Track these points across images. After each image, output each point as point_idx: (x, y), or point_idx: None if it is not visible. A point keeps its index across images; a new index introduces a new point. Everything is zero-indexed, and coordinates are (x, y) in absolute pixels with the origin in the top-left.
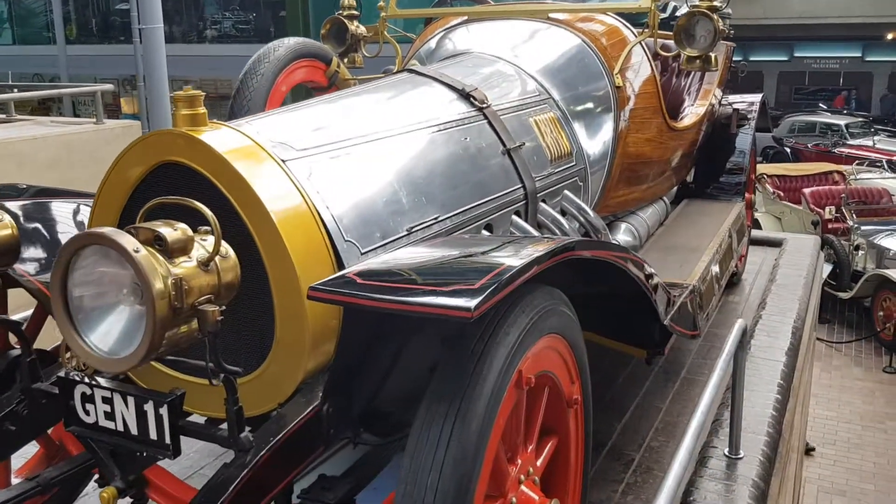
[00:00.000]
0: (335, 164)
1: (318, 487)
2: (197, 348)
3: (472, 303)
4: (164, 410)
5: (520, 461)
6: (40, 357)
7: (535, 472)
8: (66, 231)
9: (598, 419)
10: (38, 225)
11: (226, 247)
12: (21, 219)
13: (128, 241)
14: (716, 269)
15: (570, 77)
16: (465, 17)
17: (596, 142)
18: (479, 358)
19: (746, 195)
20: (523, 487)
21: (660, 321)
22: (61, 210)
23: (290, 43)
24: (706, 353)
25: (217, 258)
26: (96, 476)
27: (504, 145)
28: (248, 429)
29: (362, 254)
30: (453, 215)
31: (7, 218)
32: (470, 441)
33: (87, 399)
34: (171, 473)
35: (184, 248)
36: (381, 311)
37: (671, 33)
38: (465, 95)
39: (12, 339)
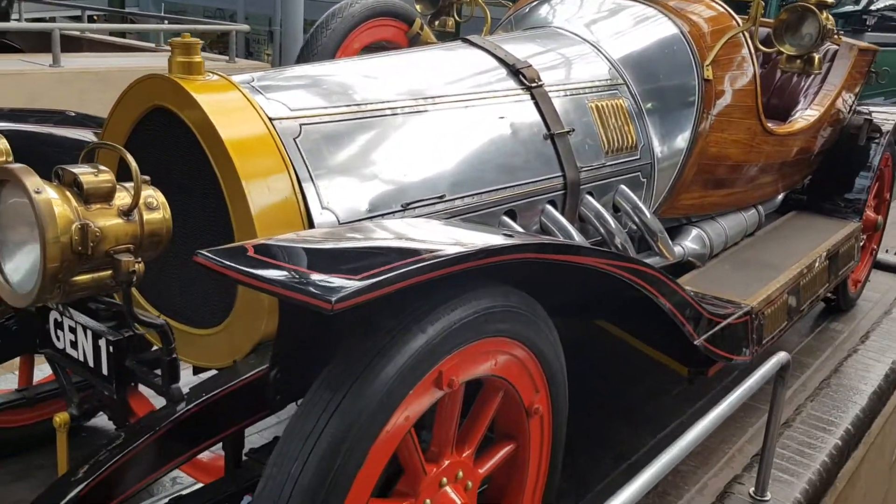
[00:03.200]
0: (333, 128)
1: (267, 449)
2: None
3: (335, 295)
4: (111, 349)
5: (446, 462)
6: None
7: (469, 477)
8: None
9: (630, 433)
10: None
11: (158, 199)
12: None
13: (32, 182)
14: (792, 295)
15: (653, 64)
16: None
17: (669, 137)
18: (379, 353)
19: (870, 215)
20: (447, 489)
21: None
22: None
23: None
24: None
25: (144, 210)
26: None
27: (548, 129)
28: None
29: (340, 224)
30: (465, 196)
31: (3, 142)
32: (344, 436)
33: (59, 326)
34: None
35: (105, 195)
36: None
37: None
38: (515, 72)
39: None
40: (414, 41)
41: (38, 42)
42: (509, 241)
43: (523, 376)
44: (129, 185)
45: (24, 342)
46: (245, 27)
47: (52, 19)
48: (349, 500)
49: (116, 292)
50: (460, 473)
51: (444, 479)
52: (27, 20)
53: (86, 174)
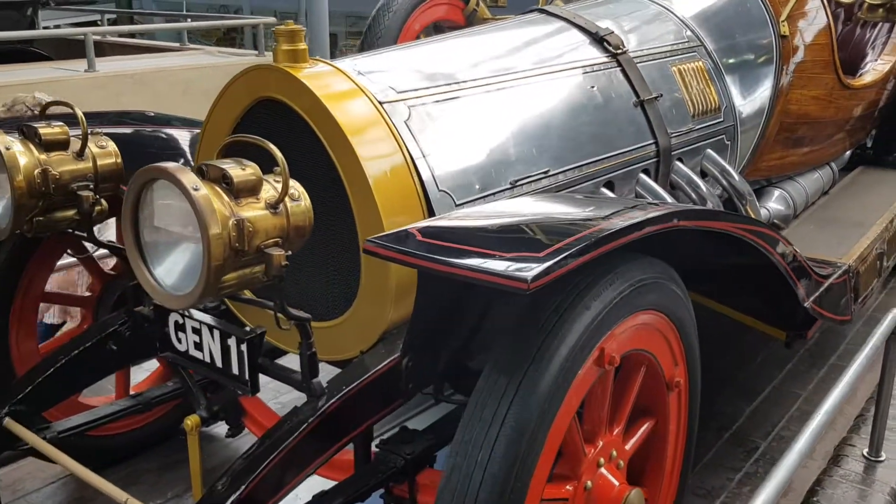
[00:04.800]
0: (438, 109)
1: (398, 439)
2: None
3: (529, 273)
4: (244, 347)
5: (601, 443)
6: None
7: (621, 456)
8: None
9: (726, 401)
10: (144, 151)
11: (299, 190)
12: (126, 145)
13: (189, 179)
14: (881, 248)
15: (728, 23)
16: None
17: (751, 97)
18: (550, 332)
19: None
20: (603, 470)
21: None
22: (168, 138)
23: None
24: (863, 340)
25: (288, 201)
26: None
27: (637, 96)
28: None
29: (457, 205)
30: (567, 170)
31: (111, 145)
32: (528, 420)
33: (180, 328)
34: (266, 404)
35: (252, 188)
36: (432, 273)
37: None
38: (599, 40)
39: None
40: (471, 18)
41: (62, 49)
42: (666, 210)
43: (665, 349)
44: (269, 177)
45: (139, 348)
46: (272, 19)
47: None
48: (532, 486)
49: (260, 287)
50: (614, 453)
51: (602, 460)
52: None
53: (233, 169)
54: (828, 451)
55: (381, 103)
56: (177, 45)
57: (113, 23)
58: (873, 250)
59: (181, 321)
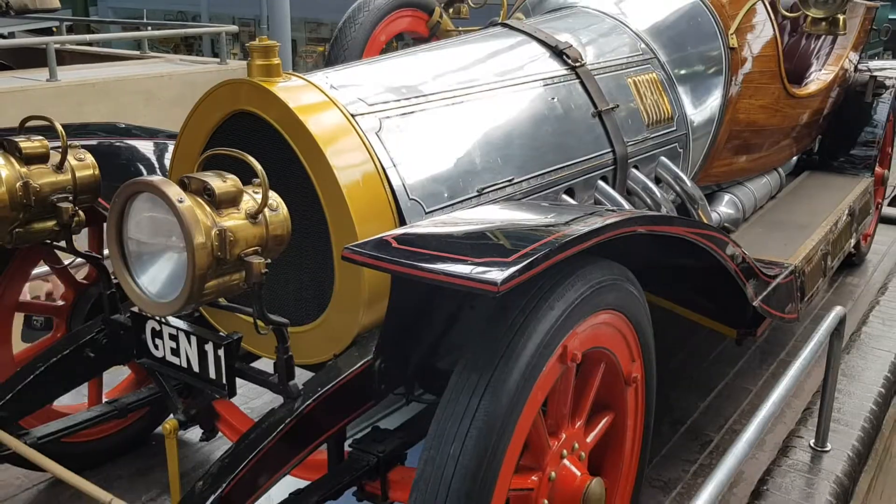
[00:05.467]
0: (407, 120)
1: (370, 439)
2: (275, 292)
3: (499, 276)
4: (221, 352)
5: (564, 435)
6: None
7: (582, 448)
8: (146, 169)
9: (680, 397)
10: (118, 163)
11: (277, 200)
12: (101, 157)
13: (173, 192)
14: (826, 249)
15: (679, 36)
16: None
17: (702, 107)
18: (518, 331)
19: (877, 170)
20: (565, 462)
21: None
22: (140, 149)
23: None
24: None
25: (266, 211)
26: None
27: (595, 107)
28: (296, 377)
29: (427, 213)
30: (531, 178)
31: (89, 157)
32: (498, 414)
33: (157, 334)
34: (239, 408)
35: (233, 199)
36: (407, 279)
37: None
38: (559, 53)
39: None
40: (434, 30)
41: (20, 57)
42: (623, 217)
43: (623, 347)
44: (248, 188)
45: (115, 355)
46: (234, 28)
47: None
48: (501, 476)
49: (239, 294)
50: (576, 445)
51: (565, 451)
52: None
53: (214, 181)
54: (777, 443)
55: (352, 116)
56: (137, 52)
57: (69, 30)
58: (818, 251)
59: (158, 328)
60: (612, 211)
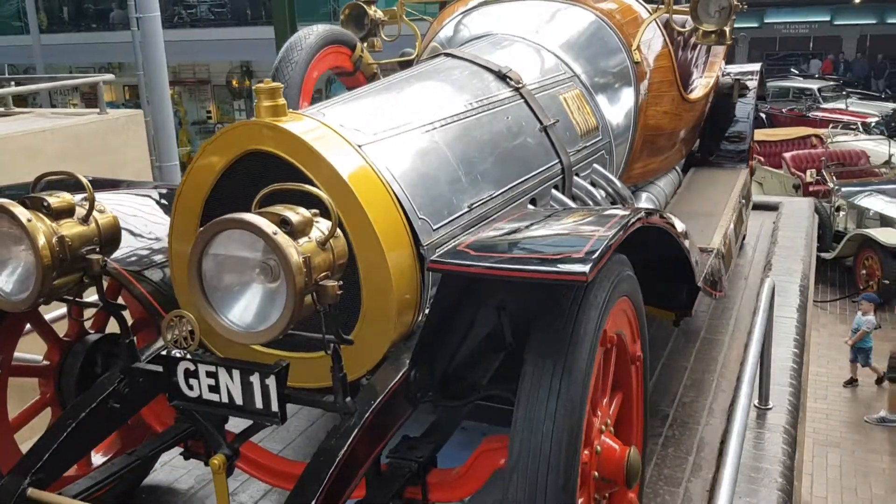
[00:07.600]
0: (401, 148)
1: (405, 448)
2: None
3: (585, 268)
4: (270, 381)
5: (599, 413)
6: (108, 339)
7: (611, 424)
8: (144, 219)
9: None
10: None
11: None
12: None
13: (267, 225)
14: (733, 234)
15: (590, 53)
16: (482, 0)
17: (619, 115)
18: (576, 318)
19: (750, 162)
20: (604, 437)
21: (689, 283)
22: (128, 200)
23: (318, 30)
24: (720, 314)
25: (332, 240)
26: (181, 450)
27: (541, 123)
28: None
29: (434, 230)
30: (505, 191)
31: (108, 208)
32: (576, 392)
33: (191, 374)
34: (258, 444)
35: (304, 229)
36: (499, 280)
37: (685, 8)
38: (502, 77)
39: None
40: (358, 63)
41: None
42: (639, 211)
43: (629, 328)
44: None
45: (136, 403)
46: (110, 77)
47: None
48: (581, 451)
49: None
50: (608, 421)
51: (603, 427)
52: None
53: (290, 214)
54: (723, 409)
55: (360, 146)
56: (1, 109)
57: None
58: (729, 235)
59: (193, 368)
60: (615, 209)
